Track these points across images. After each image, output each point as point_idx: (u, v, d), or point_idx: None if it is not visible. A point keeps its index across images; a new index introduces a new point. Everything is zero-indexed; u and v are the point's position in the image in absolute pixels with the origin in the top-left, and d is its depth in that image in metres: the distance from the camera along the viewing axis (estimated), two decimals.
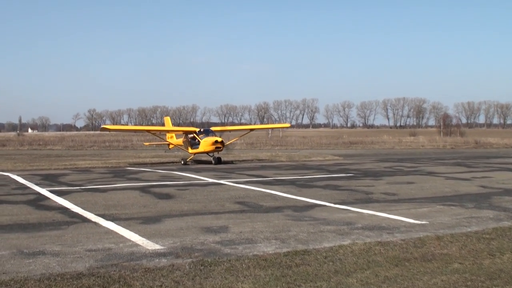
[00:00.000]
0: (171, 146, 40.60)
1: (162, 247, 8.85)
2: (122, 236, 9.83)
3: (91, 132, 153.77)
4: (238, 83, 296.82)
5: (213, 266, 7.60)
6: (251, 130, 43.69)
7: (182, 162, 33.87)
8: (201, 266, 7.62)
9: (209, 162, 33.81)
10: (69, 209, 13.41)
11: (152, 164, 32.39)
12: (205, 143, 33.69)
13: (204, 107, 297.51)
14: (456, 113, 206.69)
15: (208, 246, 8.91)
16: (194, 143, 35.07)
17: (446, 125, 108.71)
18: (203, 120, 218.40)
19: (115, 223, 11.26)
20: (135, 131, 44.21)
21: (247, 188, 18.12)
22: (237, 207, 13.66)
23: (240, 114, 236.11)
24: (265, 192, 17.01)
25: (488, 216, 12.09)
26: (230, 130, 45.33)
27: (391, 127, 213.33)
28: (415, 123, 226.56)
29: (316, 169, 27.51)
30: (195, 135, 35.11)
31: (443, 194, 16.25)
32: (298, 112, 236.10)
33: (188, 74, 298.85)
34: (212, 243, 9.18)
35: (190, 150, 35.31)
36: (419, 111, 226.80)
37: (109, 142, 69.62)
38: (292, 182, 20.22)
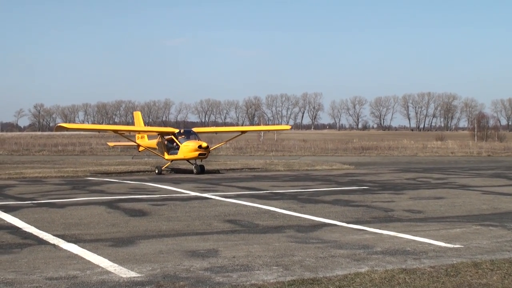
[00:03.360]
0: (141, 148, 40.75)
1: (139, 275, 9.01)
2: (88, 262, 9.99)
3: (39, 133, 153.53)
4: (223, 73, 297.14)
5: None
6: (243, 132, 42.96)
7: (157, 171, 33.80)
8: None
9: (190, 171, 33.89)
10: (20, 228, 13.57)
11: (118, 174, 32.53)
12: (186, 148, 33.41)
13: (179, 103, 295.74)
14: (494, 113, 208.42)
15: (195, 274, 9.09)
16: (171, 148, 34.78)
17: (481, 127, 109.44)
18: (179, 119, 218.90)
19: (79, 245, 11.42)
20: (99, 130, 44.82)
21: (238, 203, 18.34)
22: (228, 227, 13.86)
23: (225, 111, 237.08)
24: (261, 208, 17.23)
25: None
26: (216, 132, 45.29)
27: (412, 130, 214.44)
28: (442, 125, 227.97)
29: (321, 181, 27.77)
30: (173, 137, 34.76)
31: (480, 212, 16.53)
32: (297, 109, 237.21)
33: (160, 61, 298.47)
34: (200, 270, 9.37)
35: (166, 156, 35.14)
36: (448, 110, 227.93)
37: (62, 146, 69.75)
38: (293, 196, 20.46)
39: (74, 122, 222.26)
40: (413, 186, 25.06)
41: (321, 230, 13.33)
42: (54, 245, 11.54)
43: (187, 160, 34.64)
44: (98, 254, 10.53)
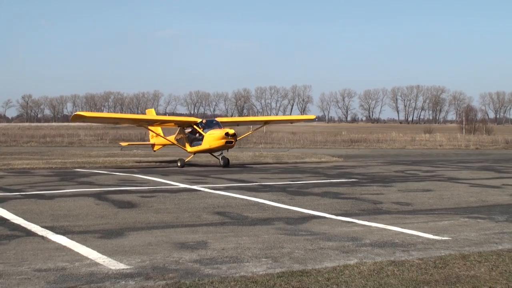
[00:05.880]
0: (156, 147, 38.78)
1: (128, 267, 9.01)
2: (77, 253, 9.97)
3: (26, 124, 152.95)
4: (212, 65, 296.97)
5: None
6: (266, 123, 41.01)
7: (179, 164, 32.25)
8: None
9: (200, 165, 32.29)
10: (8, 220, 13.51)
11: (106, 167, 32.45)
12: (211, 137, 31.46)
13: (168, 94, 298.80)
14: (482, 106, 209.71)
15: (184, 266, 9.11)
16: (194, 139, 32.99)
17: (469, 120, 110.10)
18: (168, 111, 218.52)
19: (68, 237, 11.40)
20: (118, 119, 38.42)
21: (228, 196, 18.37)
22: (217, 219, 13.88)
23: (214, 103, 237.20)
24: (250, 200, 17.26)
25: None
26: (238, 123, 42.01)
27: (401, 122, 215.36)
28: (431, 118, 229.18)
29: (311, 173, 27.85)
30: (195, 127, 33.01)
31: (468, 205, 16.63)
32: (286, 102, 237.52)
33: (149, 52, 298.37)
34: (189, 261, 9.38)
35: (189, 149, 33.41)
36: (437, 103, 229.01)
37: (50, 137, 69.72)
38: (282, 189, 20.50)
39: (62, 113, 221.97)
40: (401, 178, 25.17)
41: (310, 222, 13.37)
42: (42, 236, 11.51)
43: (211, 151, 32.69)
44: (87, 246, 10.51)
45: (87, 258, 9.58)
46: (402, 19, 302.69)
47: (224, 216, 14.33)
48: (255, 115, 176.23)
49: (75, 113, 32.40)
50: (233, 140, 31.28)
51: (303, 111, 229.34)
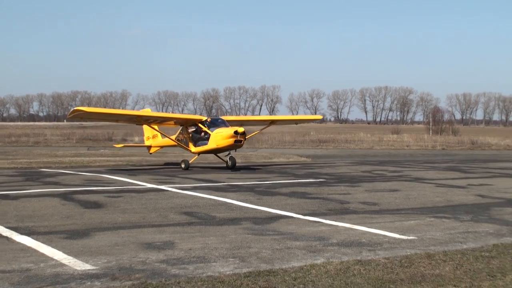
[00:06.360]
0: (152, 150, 36.35)
1: (94, 267, 8.95)
2: (42, 254, 9.87)
3: None
4: (181, 64, 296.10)
5: None
6: (272, 122, 38.11)
7: (183, 166, 30.03)
8: None
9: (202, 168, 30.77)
10: None
11: (73, 167, 32.16)
12: (219, 136, 29.35)
13: (137, 94, 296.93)
14: (449, 107, 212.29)
15: (151, 266, 9.07)
16: (199, 138, 30.99)
17: (436, 121, 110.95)
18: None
19: (32, 237, 11.28)
20: (120, 116, 33.60)
21: (195, 196, 18.34)
22: (184, 219, 13.84)
23: (183, 103, 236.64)
24: (218, 200, 17.25)
25: (487, 230, 12.60)
26: (242, 122, 38.23)
27: (369, 123, 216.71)
28: (399, 118, 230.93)
29: (279, 173, 27.90)
30: (200, 125, 30.91)
31: (434, 205, 16.80)
32: (255, 102, 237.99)
33: (117, 51, 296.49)
34: (155, 262, 9.34)
35: (193, 149, 31.30)
36: (404, 104, 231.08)
37: (15, 137, 68.88)
38: (250, 189, 20.52)
39: (28, 112, 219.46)
40: (369, 178, 25.34)
41: (277, 222, 13.40)
42: (7, 237, 11.37)
43: (218, 151, 30.75)
44: (52, 247, 10.41)
45: (52, 259, 9.50)
46: (371, 21, 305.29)
47: (191, 216, 14.30)
48: (224, 115, 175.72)
49: (74, 108, 29.68)
50: (242, 139, 29.25)
51: (271, 111, 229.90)
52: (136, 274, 8.55)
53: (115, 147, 43.08)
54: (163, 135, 34.03)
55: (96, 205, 16.02)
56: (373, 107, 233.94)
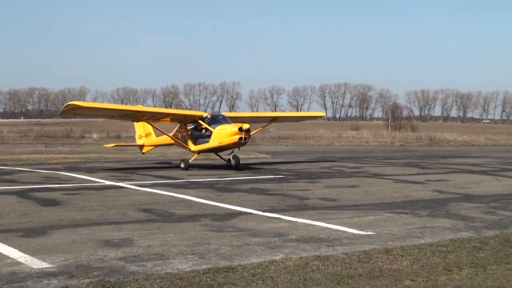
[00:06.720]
0: (145, 149, 34.50)
1: (51, 265, 8.86)
2: None
3: None
4: (140, 61, 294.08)
5: (117, 287, 7.74)
6: (274, 119, 36.15)
7: (183, 165, 28.37)
8: (102, 287, 7.74)
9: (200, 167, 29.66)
10: None
11: (30, 164, 31.75)
12: (222, 133, 27.83)
13: (95, 90, 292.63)
14: (408, 104, 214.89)
15: (109, 263, 9.01)
16: (200, 136, 29.40)
17: (395, 117, 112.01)
18: None
19: None
20: (119, 111, 31.40)
21: (154, 192, 18.27)
22: (143, 216, 13.78)
23: (142, 99, 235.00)
24: (177, 197, 17.21)
25: (444, 225, 12.79)
26: (243, 119, 34.38)
27: (329, 119, 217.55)
28: (358, 115, 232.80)
29: (238, 170, 27.88)
30: (201, 122, 29.33)
31: (392, 200, 16.99)
32: (215, 98, 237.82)
33: (75, 47, 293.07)
34: (114, 259, 9.29)
35: (193, 147, 29.58)
36: (363, 100, 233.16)
37: None
38: (209, 185, 20.50)
39: None
40: (328, 174, 25.51)
41: (236, 219, 13.41)
42: None
43: (221, 149, 29.40)
44: (8, 245, 10.26)
45: (8, 257, 9.37)
46: (331, 17, 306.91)
47: (150, 213, 14.23)
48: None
49: (69, 103, 27.63)
50: (247, 137, 27.74)
51: (231, 107, 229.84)
52: (94, 271, 8.48)
53: (105, 147, 40.42)
54: (161, 133, 31.92)
55: (54, 203, 15.84)
56: (333, 103, 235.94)
